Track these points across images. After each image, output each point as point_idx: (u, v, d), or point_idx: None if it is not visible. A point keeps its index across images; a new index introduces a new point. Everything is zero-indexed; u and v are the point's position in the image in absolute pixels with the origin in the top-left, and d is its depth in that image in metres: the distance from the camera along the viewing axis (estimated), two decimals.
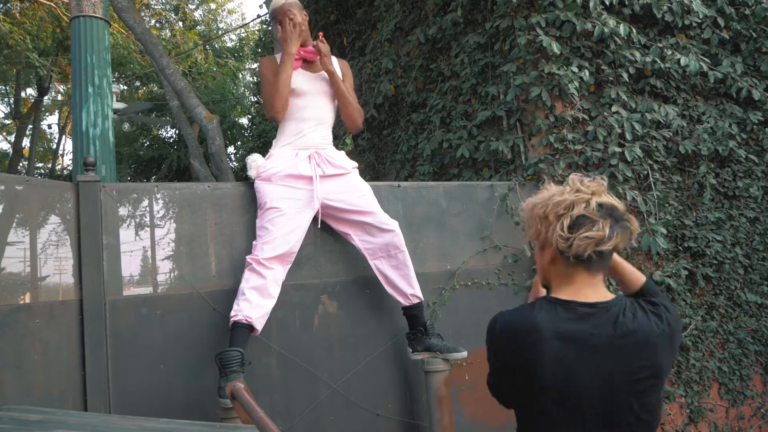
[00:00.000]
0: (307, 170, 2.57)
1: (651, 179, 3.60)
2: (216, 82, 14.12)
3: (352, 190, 2.64)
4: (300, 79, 2.67)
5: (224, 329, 2.49)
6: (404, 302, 2.67)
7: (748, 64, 4.22)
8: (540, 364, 1.28)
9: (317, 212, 2.60)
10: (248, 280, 2.39)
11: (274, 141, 2.71)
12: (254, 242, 2.48)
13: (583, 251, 1.33)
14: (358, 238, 2.67)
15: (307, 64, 2.72)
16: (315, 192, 2.55)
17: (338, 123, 5.62)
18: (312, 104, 2.67)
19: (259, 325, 2.35)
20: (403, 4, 4.66)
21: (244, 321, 2.30)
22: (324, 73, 2.73)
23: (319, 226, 2.63)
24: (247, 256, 2.44)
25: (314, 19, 5.80)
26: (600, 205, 1.35)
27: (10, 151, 15.79)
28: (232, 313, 2.33)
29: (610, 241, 1.33)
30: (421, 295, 2.68)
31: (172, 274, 2.48)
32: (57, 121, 19.35)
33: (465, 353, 2.65)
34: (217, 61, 14.63)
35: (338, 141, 5.29)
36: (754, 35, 4.19)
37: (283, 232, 2.44)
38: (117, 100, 13.71)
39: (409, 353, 2.71)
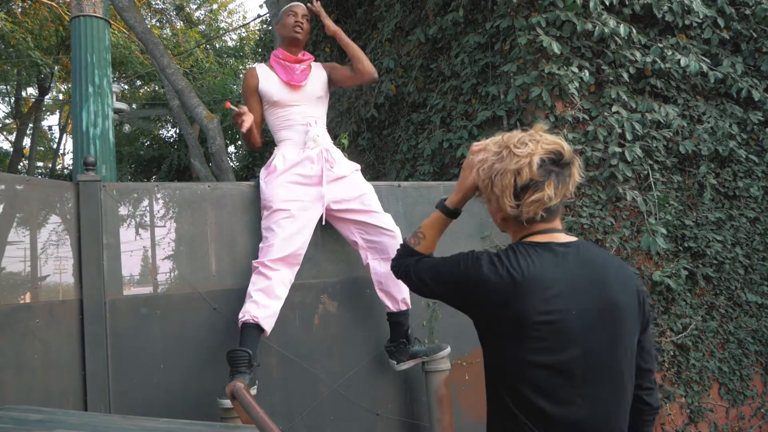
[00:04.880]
0: (313, 169, 2.57)
1: (651, 179, 3.60)
2: (217, 82, 14.12)
3: (355, 190, 2.64)
4: (282, 92, 2.66)
5: (224, 329, 2.49)
6: (393, 307, 2.64)
7: (748, 64, 4.22)
8: (542, 310, 1.29)
9: (323, 212, 2.60)
10: (255, 283, 2.39)
11: (275, 147, 2.70)
12: (260, 245, 2.49)
13: (533, 214, 1.35)
14: (355, 237, 2.66)
15: (289, 75, 2.69)
16: (322, 191, 2.55)
17: (338, 123, 5.63)
18: (298, 111, 2.67)
19: (267, 326, 2.34)
20: (403, 3, 4.66)
21: (251, 321, 2.30)
22: (307, 83, 2.71)
23: (324, 224, 2.63)
24: (253, 261, 2.45)
25: (315, 19, 5.79)
26: (541, 162, 1.33)
27: (11, 150, 15.80)
28: (240, 315, 2.34)
29: (556, 198, 1.34)
30: (409, 303, 2.67)
31: (172, 274, 2.49)
32: (58, 121, 19.38)
33: (448, 348, 2.73)
34: (218, 61, 14.63)
35: (336, 142, 5.29)
36: (755, 35, 4.19)
37: (288, 234, 2.44)
38: (117, 100, 13.72)
39: (393, 365, 2.67)
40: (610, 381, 1.32)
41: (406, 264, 1.60)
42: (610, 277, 1.36)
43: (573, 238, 1.41)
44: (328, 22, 2.80)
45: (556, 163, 1.34)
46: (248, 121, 2.53)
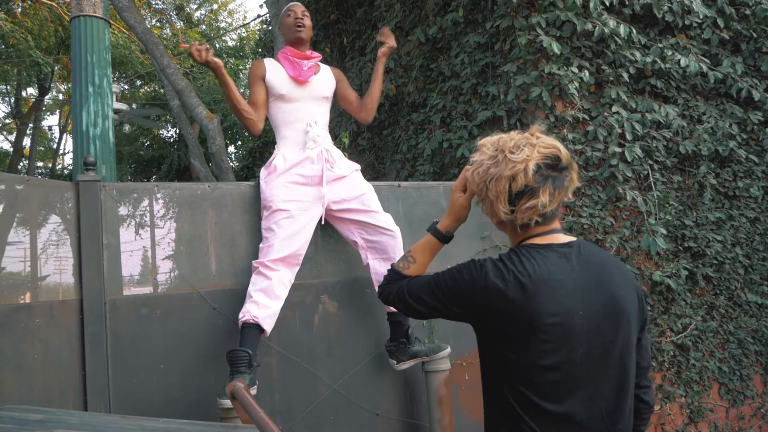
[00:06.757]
0: (313, 170, 2.57)
1: (651, 179, 3.60)
2: (217, 81, 14.11)
3: (355, 190, 2.64)
4: (288, 86, 2.65)
5: (224, 329, 2.49)
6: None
7: (748, 64, 4.22)
8: (550, 312, 1.28)
9: (323, 212, 2.60)
10: (255, 283, 2.40)
11: (276, 147, 2.70)
12: (260, 245, 2.49)
13: (528, 220, 1.34)
14: (355, 237, 2.66)
15: (297, 70, 2.67)
16: (322, 191, 2.55)
17: (338, 123, 5.63)
18: (302, 108, 2.66)
19: (267, 326, 2.35)
20: (403, 3, 4.66)
21: (251, 321, 2.30)
22: (314, 80, 2.70)
23: (323, 223, 2.63)
24: (253, 261, 2.45)
25: (314, 19, 5.80)
26: (537, 169, 1.31)
27: (11, 150, 15.80)
28: (240, 315, 2.34)
29: (551, 204, 1.33)
30: None
31: (172, 274, 2.49)
32: (58, 121, 19.38)
33: (449, 348, 2.73)
34: None
35: (336, 142, 5.29)
36: (755, 35, 4.19)
37: (287, 234, 2.44)
38: (118, 100, 13.72)
39: (393, 365, 2.68)
40: (616, 380, 1.32)
41: (397, 287, 1.53)
42: (612, 275, 1.36)
43: (572, 238, 1.40)
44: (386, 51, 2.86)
45: (552, 167, 1.33)
46: (207, 51, 2.38)
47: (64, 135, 18.59)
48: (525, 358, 1.29)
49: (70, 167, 14.17)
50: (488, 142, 1.42)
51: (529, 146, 1.33)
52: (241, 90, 15.10)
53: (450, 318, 1.44)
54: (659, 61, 3.72)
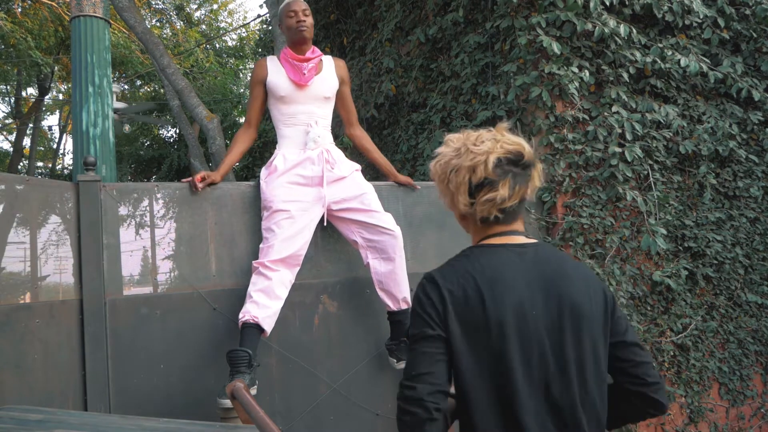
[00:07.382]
0: (314, 170, 2.57)
1: (651, 179, 3.60)
2: (217, 81, 14.11)
3: (355, 190, 2.64)
4: (289, 89, 2.65)
5: (224, 329, 2.49)
6: (393, 306, 2.64)
7: (748, 64, 4.22)
8: (504, 311, 1.26)
9: (323, 213, 2.60)
10: (255, 283, 2.40)
11: (276, 147, 2.70)
12: (260, 245, 2.49)
13: (487, 214, 1.33)
14: (355, 236, 2.66)
15: (297, 74, 2.67)
16: (322, 192, 2.55)
17: (339, 123, 5.62)
18: (302, 110, 2.66)
19: (267, 326, 2.35)
20: (403, 3, 4.66)
21: (251, 321, 2.31)
22: (315, 81, 2.70)
23: (325, 224, 2.62)
24: (253, 261, 2.45)
25: (315, 19, 5.79)
26: (498, 162, 1.31)
27: (11, 150, 15.80)
28: (240, 315, 2.35)
29: (511, 199, 1.32)
30: (410, 301, 2.66)
31: (172, 274, 2.49)
32: (58, 121, 19.38)
33: None
34: (218, 61, 14.62)
35: (337, 141, 5.29)
36: (755, 35, 4.19)
37: (288, 235, 2.44)
38: (118, 100, 13.72)
39: (393, 364, 2.69)
40: (580, 384, 1.28)
41: (399, 398, 1.32)
42: (569, 278, 1.33)
43: (533, 241, 1.39)
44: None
45: (515, 163, 1.32)
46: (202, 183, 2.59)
47: (64, 135, 18.59)
48: (482, 359, 1.26)
49: (70, 167, 14.17)
50: (454, 137, 1.42)
51: (493, 140, 1.34)
52: (242, 90, 15.11)
53: (446, 355, 1.30)
54: (659, 61, 3.71)
